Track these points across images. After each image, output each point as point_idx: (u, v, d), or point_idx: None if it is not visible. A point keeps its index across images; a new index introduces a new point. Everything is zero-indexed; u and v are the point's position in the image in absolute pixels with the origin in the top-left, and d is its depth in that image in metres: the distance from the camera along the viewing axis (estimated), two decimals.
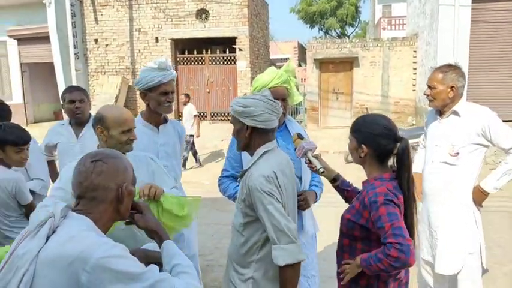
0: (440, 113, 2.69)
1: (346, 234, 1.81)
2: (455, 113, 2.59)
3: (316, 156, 2.05)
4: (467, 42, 9.47)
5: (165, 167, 2.48)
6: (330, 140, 11.36)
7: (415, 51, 12.75)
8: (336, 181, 2.11)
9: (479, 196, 2.57)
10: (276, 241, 1.69)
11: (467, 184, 2.58)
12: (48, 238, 1.28)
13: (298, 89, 2.56)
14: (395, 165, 1.78)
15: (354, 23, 34.88)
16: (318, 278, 2.55)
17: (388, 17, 23.18)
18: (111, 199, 1.39)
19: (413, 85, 12.91)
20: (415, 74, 12.82)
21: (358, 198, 1.79)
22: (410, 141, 8.76)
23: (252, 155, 1.88)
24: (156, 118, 2.60)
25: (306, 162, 2.08)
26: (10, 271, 1.24)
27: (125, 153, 1.99)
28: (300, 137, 2.11)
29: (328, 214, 4.30)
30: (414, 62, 12.79)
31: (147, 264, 1.32)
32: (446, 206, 2.60)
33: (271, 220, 1.69)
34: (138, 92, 2.74)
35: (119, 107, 2.09)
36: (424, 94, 2.69)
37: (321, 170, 2.02)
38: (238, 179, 1.96)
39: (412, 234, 1.74)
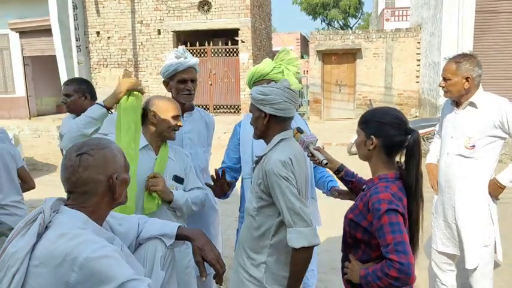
0: (457, 103, 2.61)
1: (349, 233, 1.77)
2: (472, 104, 2.52)
3: (318, 149, 2.01)
4: (471, 33, 9.39)
5: (189, 154, 2.52)
6: (333, 132, 11.34)
7: (418, 43, 12.66)
8: (340, 172, 2.06)
9: (495, 189, 2.53)
10: (292, 224, 1.71)
11: (483, 177, 2.53)
12: (41, 235, 1.25)
13: (300, 82, 2.55)
14: (404, 159, 1.69)
15: (357, 14, 34.68)
16: (316, 271, 2.56)
17: (391, 8, 22.97)
18: (103, 191, 1.36)
19: (417, 77, 12.84)
20: (418, 65, 12.74)
21: (362, 199, 1.73)
22: None
23: (268, 143, 1.90)
24: (180, 106, 2.55)
25: (308, 156, 2.03)
26: (1, 270, 1.22)
27: (165, 143, 2.21)
28: (300, 130, 2.05)
29: (332, 206, 4.30)
30: (418, 54, 12.71)
31: None
32: (461, 199, 2.57)
33: (287, 203, 1.71)
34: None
35: (169, 98, 2.30)
36: (439, 86, 2.63)
37: (324, 161, 1.96)
38: (253, 165, 1.98)
39: (416, 229, 1.70)
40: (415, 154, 1.66)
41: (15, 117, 13.57)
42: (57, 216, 1.30)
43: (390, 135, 1.68)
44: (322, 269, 3.66)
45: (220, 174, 2.19)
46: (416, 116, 12.24)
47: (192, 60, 2.52)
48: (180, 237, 1.67)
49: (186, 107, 2.59)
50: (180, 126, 2.21)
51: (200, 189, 2.32)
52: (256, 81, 2.45)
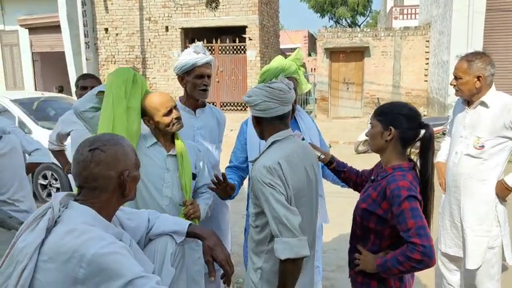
0: (468, 102, 2.58)
1: (360, 224, 1.80)
2: (483, 104, 2.48)
3: (310, 145, 2.07)
4: (481, 31, 9.29)
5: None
6: (340, 130, 11.31)
7: (427, 41, 12.56)
8: (332, 163, 2.14)
9: (503, 191, 2.49)
10: (278, 234, 1.63)
11: (491, 178, 2.50)
12: (50, 230, 1.25)
13: (308, 80, 2.56)
14: (420, 151, 1.76)
15: (365, 12, 34.47)
16: (321, 268, 2.57)
17: (400, 6, 22.80)
18: (113, 187, 1.36)
19: (426, 75, 12.75)
20: (427, 64, 12.65)
21: (376, 188, 1.76)
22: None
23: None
24: (193, 102, 2.59)
25: None
26: (11, 265, 1.22)
27: (177, 136, 2.17)
28: None
29: (338, 204, 4.30)
30: (427, 52, 12.62)
31: None
32: (468, 199, 2.54)
33: (272, 212, 1.63)
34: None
35: (153, 94, 2.16)
36: (450, 84, 2.61)
37: (322, 156, 2.03)
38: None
39: (428, 223, 1.72)
40: (431, 147, 1.73)
41: None
42: (66, 211, 1.31)
43: (408, 127, 1.74)
44: (329, 267, 3.66)
45: (221, 179, 2.14)
46: (424, 115, 12.17)
47: (209, 56, 2.53)
48: (190, 235, 1.67)
49: (198, 104, 2.60)
50: (178, 117, 2.13)
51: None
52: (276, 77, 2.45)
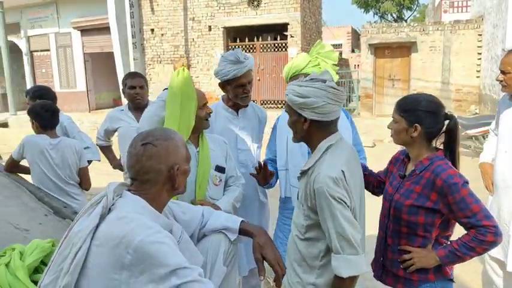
0: None
1: (407, 221, 1.75)
2: None
3: None
4: None
5: (243, 150, 2.58)
6: (385, 128, 10.96)
7: (480, 35, 11.95)
8: None
9: None
10: (340, 250, 1.52)
11: None
12: (104, 217, 1.32)
13: (351, 76, 2.51)
14: (445, 142, 1.76)
15: (412, 6, 33.28)
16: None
17: None
18: (163, 181, 1.41)
19: (478, 71, 12.14)
20: (479, 59, 12.03)
21: (418, 182, 1.73)
22: (474, 131, 8.14)
23: (311, 147, 1.71)
24: (236, 103, 2.60)
25: None
26: (67, 247, 1.30)
27: (203, 134, 2.19)
28: None
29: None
30: (479, 47, 12.00)
31: None
32: None
33: (337, 228, 1.52)
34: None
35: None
36: (497, 80, 2.50)
37: None
38: (298, 175, 1.74)
39: None
40: (456, 137, 1.74)
41: (77, 110, 14.39)
42: (119, 200, 1.37)
43: (433, 122, 1.73)
44: (367, 275, 3.55)
45: (262, 165, 2.20)
46: (476, 113, 11.59)
47: (250, 62, 2.48)
48: (242, 231, 1.68)
49: (240, 105, 2.61)
50: (210, 113, 2.18)
51: (237, 180, 2.34)
52: (292, 76, 2.42)
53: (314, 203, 1.59)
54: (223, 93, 2.66)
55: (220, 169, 2.23)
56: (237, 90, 2.48)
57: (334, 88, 1.60)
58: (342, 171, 1.55)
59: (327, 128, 1.65)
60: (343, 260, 1.53)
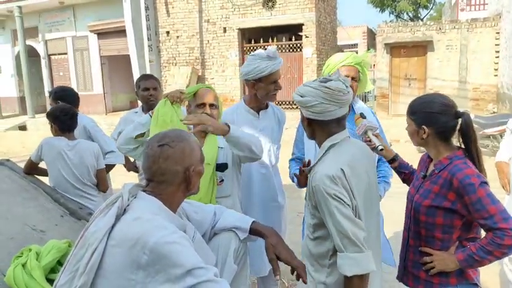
0: None
1: (425, 222, 1.74)
2: None
3: (376, 135, 2.02)
4: None
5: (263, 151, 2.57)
6: (401, 128, 10.80)
7: (497, 33, 11.71)
8: (394, 161, 2.08)
9: None
10: (342, 248, 1.53)
11: None
12: (119, 217, 1.33)
13: (374, 82, 2.51)
14: (461, 141, 1.74)
15: (429, 4, 32.80)
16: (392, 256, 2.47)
17: None
18: (179, 182, 1.43)
19: (496, 69, 11.90)
20: (497, 57, 11.80)
21: (436, 182, 1.71)
22: (492, 130, 7.95)
23: (318, 146, 1.72)
24: (258, 104, 2.63)
25: (365, 140, 2.02)
26: (83, 247, 1.32)
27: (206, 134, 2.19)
28: (363, 116, 2.07)
29: (391, 205, 4.15)
30: (497, 45, 11.77)
31: None
32: None
33: (337, 226, 1.52)
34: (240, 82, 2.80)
35: (205, 88, 2.26)
36: None
37: (380, 147, 1.97)
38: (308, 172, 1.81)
39: None
40: (470, 135, 1.70)
41: (94, 112, 14.60)
42: (134, 200, 1.39)
43: (441, 122, 1.70)
44: (391, 276, 3.52)
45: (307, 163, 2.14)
46: (494, 112, 11.36)
47: (281, 59, 2.55)
48: (252, 231, 1.69)
49: (262, 106, 2.63)
50: (207, 114, 2.16)
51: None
52: (329, 72, 2.43)
53: (314, 201, 1.62)
54: (244, 94, 2.68)
55: (219, 167, 2.20)
56: (269, 87, 2.50)
57: (329, 88, 1.59)
58: (342, 169, 1.55)
59: (327, 127, 1.65)
60: (346, 258, 1.53)
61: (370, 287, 1.63)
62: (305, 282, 1.59)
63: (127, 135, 2.23)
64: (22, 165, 3.08)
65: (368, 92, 13.88)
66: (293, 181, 2.48)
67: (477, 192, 1.57)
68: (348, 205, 1.54)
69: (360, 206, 1.60)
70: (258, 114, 2.64)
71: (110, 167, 3.35)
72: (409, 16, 33.05)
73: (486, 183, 1.61)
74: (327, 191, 1.53)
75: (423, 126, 1.73)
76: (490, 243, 1.56)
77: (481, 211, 1.57)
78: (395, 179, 2.32)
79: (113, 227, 1.31)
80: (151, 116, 2.21)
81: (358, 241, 1.52)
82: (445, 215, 1.67)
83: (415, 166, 2.08)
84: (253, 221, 1.71)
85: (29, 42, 15.67)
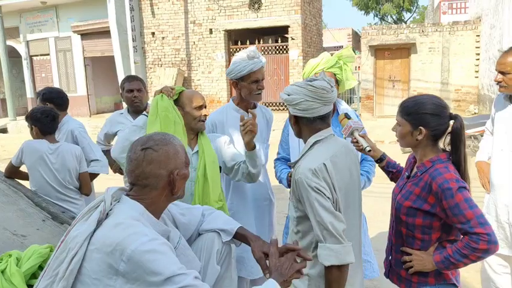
0: (510, 97, 2.49)
1: (405, 222, 1.76)
2: None
3: (363, 136, 2.04)
4: None
5: None
6: (385, 129, 11.00)
7: (478, 36, 11.96)
8: (382, 161, 2.10)
9: None
10: (322, 240, 1.59)
11: None
12: (101, 222, 1.31)
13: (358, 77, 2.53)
14: (451, 142, 1.74)
15: (412, 8, 33.32)
16: (376, 264, 2.49)
17: (449, 0, 21.85)
18: (163, 185, 1.40)
19: (476, 71, 12.15)
20: (478, 59, 12.04)
21: (417, 184, 1.73)
22: (473, 131, 8.09)
23: (304, 142, 1.78)
24: (246, 104, 2.65)
25: (352, 142, 2.04)
26: (64, 251, 1.30)
27: (202, 134, 2.25)
28: (347, 116, 2.09)
29: (371, 204, 4.20)
30: (477, 47, 12.01)
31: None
32: None
33: (316, 217, 1.58)
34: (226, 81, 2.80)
35: (192, 90, 2.35)
36: (495, 81, 2.51)
37: (368, 148, 1.99)
38: (291, 169, 1.89)
39: None
40: (462, 138, 1.71)
41: (77, 115, 14.42)
42: (117, 205, 1.37)
43: (438, 124, 1.71)
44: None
45: None
46: (475, 113, 11.59)
47: (263, 59, 2.56)
48: (238, 236, 1.68)
49: (250, 105, 2.65)
50: (205, 115, 2.24)
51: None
52: (317, 74, 2.47)
53: (297, 194, 1.66)
54: (232, 96, 2.73)
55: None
56: (251, 86, 2.51)
57: (314, 86, 1.66)
58: (324, 164, 1.61)
59: (313, 124, 1.71)
60: (325, 248, 1.58)
61: (351, 281, 1.67)
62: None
63: (123, 142, 2.18)
64: (2, 168, 3.03)
65: (353, 94, 14.01)
66: (280, 182, 2.51)
67: (455, 197, 1.58)
68: (328, 198, 1.59)
69: (341, 201, 1.65)
70: (247, 113, 2.65)
71: (93, 176, 3.28)
72: (393, 19, 33.54)
73: (465, 187, 1.62)
74: (309, 184, 1.58)
75: (420, 127, 1.72)
76: (466, 246, 1.58)
77: (459, 216, 1.58)
78: (384, 178, 2.36)
79: (94, 231, 1.29)
80: (147, 116, 2.19)
81: (337, 233, 1.57)
82: (424, 216, 1.70)
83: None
84: (240, 226, 1.71)
85: (9, 42, 15.38)
